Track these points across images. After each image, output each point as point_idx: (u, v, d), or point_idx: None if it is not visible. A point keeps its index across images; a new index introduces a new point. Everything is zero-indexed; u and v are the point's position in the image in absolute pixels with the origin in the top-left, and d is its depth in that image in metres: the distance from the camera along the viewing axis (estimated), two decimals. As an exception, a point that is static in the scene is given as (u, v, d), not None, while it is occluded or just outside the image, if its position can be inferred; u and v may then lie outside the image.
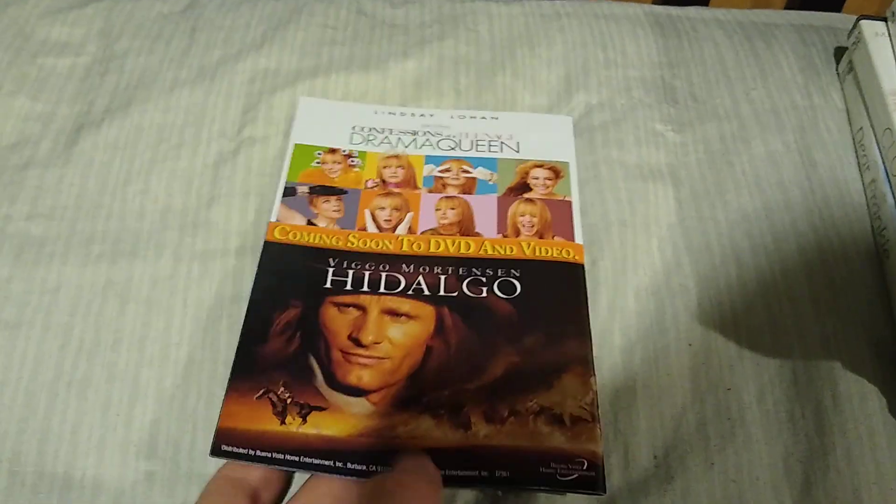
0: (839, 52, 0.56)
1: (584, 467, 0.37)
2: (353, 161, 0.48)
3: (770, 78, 0.54)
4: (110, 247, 0.44)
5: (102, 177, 0.47)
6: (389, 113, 0.51)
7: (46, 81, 0.52)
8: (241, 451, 0.36)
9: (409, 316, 0.42)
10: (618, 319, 0.42)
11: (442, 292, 0.43)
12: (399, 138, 0.50)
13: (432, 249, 0.45)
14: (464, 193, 0.47)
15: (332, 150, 0.49)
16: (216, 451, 0.36)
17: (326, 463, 0.36)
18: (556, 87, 0.53)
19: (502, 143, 0.50)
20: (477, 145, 0.50)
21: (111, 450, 0.38)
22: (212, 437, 0.37)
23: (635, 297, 0.43)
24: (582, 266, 0.44)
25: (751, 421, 0.39)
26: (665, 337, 0.42)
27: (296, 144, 0.48)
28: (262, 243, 0.44)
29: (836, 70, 0.55)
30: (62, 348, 0.41)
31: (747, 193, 0.47)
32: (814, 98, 0.53)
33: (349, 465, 0.36)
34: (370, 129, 0.50)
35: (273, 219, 0.45)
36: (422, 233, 0.45)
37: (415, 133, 0.50)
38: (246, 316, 0.41)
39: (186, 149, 0.48)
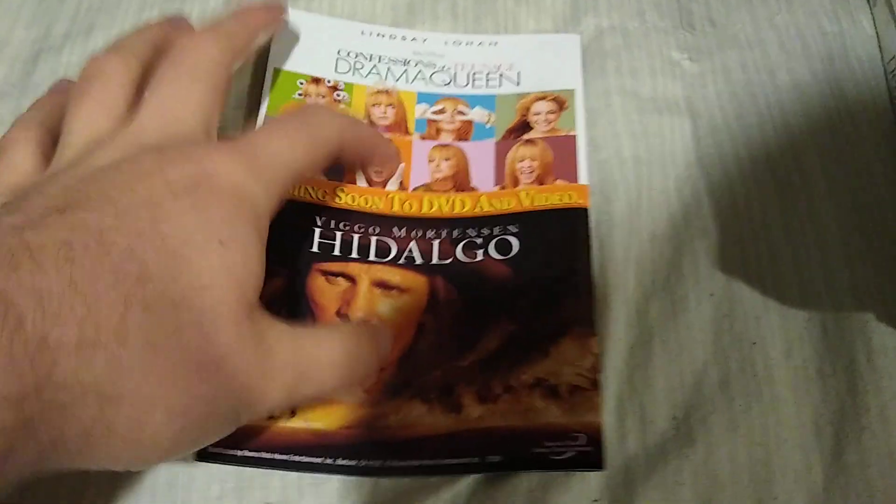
0: (869, -26, 0.51)
1: (581, 442, 0.33)
2: (338, 95, 0.44)
3: (795, 2, 0.49)
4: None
5: (61, 109, 0.43)
6: (378, 35, 0.46)
7: (0, 4, 0.47)
8: (228, 452, 0.33)
9: (400, 289, 0.38)
10: (633, 267, 0.39)
11: (435, 260, 0.39)
12: (388, 68, 0.45)
13: (425, 210, 0.40)
14: (459, 139, 0.43)
15: (316, 80, 0.44)
16: (202, 456, 0.33)
17: (316, 460, 0.33)
18: (562, 9, 0.48)
19: (501, 75, 0.45)
20: (474, 79, 0.45)
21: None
22: None
23: (651, 241, 0.39)
24: (585, 210, 0.40)
25: (778, 378, 0.36)
26: (684, 286, 0.38)
27: (275, 69, 0.44)
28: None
29: (866, -7, 0.51)
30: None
31: (771, 127, 0.43)
32: (842, 23, 0.48)
33: (339, 460, 0.33)
34: (357, 55, 0.45)
35: None
36: (414, 189, 0.41)
37: (406, 62, 0.45)
38: None
39: (154, 77, 0.44)
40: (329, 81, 0.44)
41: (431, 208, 0.40)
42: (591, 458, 0.33)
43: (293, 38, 0.45)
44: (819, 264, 0.39)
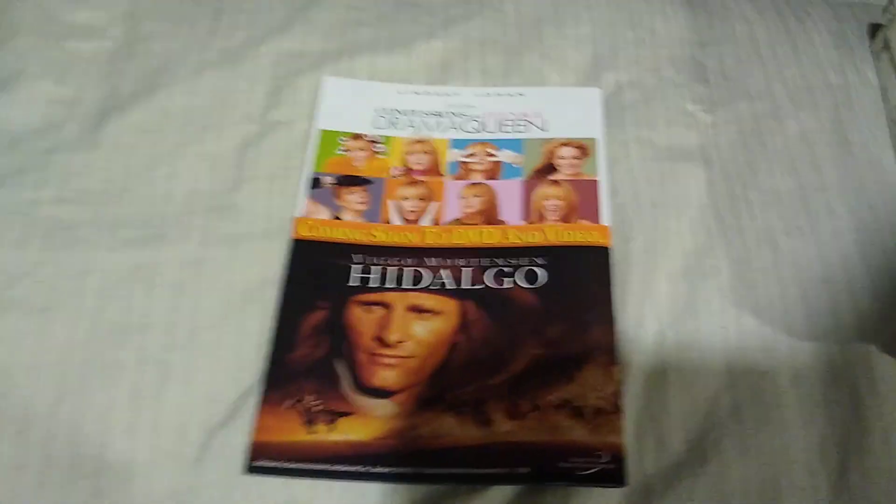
0: (873, 29, 0.55)
1: (605, 460, 0.36)
2: (377, 147, 0.48)
3: (803, 56, 0.53)
4: (138, 231, 0.44)
5: (129, 161, 0.47)
6: (414, 93, 0.50)
7: (71, 65, 0.51)
8: (274, 464, 0.37)
9: (433, 312, 0.42)
10: (649, 303, 0.42)
11: (466, 285, 0.42)
12: (423, 120, 0.49)
13: (455, 240, 0.44)
14: (489, 179, 0.47)
15: (357, 136, 0.48)
16: (251, 468, 0.37)
17: (354, 469, 0.37)
18: (585, 66, 0.52)
19: (528, 121, 0.49)
20: (502, 126, 0.49)
21: (142, 433, 0.38)
22: (239, 421, 0.38)
23: (667, 279, 0.42)
24: (607, 249, 0.43)
25: (786, 405, 0.38)
26: (697, 320, 0.41)
27: (321, 131, 0.48)
28: (287, 226, 0.44)
29: (870, 47, 0.54)
30: (91, 332, 0.41)
31: (780, 174, 0.46)
32: (848, 76, 0.52)
33: (375, 468, 0.37)
34: (393, 111, 0.49)
35: (299, 213, 0.45)
36: (446, 223, 0.45)
37: (439, 114, 0.49)
38: (276, 323, 0.41)
39: (212, 132, 0.48)
40: (368, 136, 0.48)
41: (462, 239, 0.44)
42: (614, 474, 0.36)
43: (336, 101, 0.50)
44: (826, 300, 0.41)
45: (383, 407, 0.38)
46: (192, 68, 0.51)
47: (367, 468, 0.37)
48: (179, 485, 0.37)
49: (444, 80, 0.51)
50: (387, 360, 0.40)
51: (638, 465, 0.37)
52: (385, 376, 0.39)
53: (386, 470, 0.37)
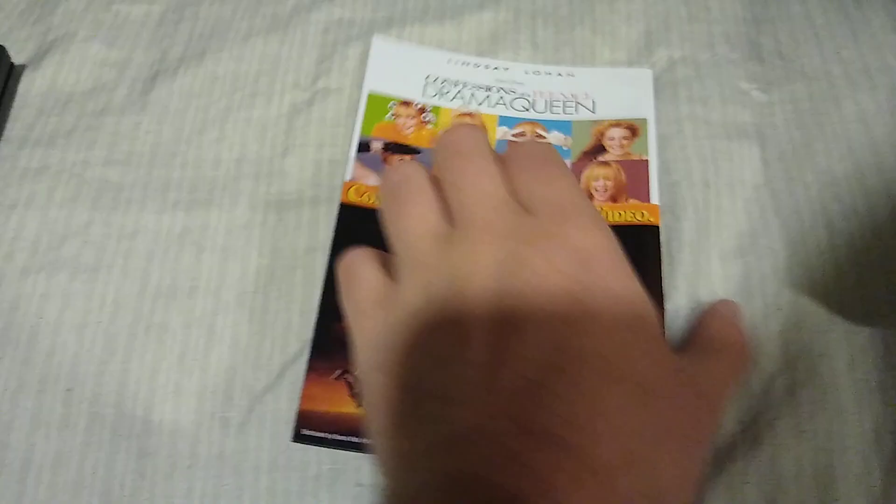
0: (935, 11, 0.53)
1: None
2: (426, 116, 0.47)
3: (861, 37, 0.51)
4: (186, 194, 0.44)
5: (178, 125, 0.47)
6: (464, 63, 0.50)
7: (121, 28, 0.51)
8: (321, 434, 0.37)
9: None
10: (702, 283, 0.41)
11: None
12: (472, 93, 0.48)
13: None
14: None
15: (406, 103, 0.48)
16: (297, 437, 0.37)
17: None
18: (637, 41, 0.51)
19: (577, 103, 0.48)
20: (552, 106, 0.48)
21: (188, 395, 0.38)
22: (285, 388, 0.38)
23: (720, 259, 0.42)
24: (657, 228, 0.42)
25: (842, 389, 0.38)
26: (752, 301, 0.40)
27: (370, 94, 0.48)
28: (336, 195, 0.44)
29: (931, 30, 0.52)
30: (140, 293, 0.41)
31: (837, 155, 0.45)
32: (907, 58, 0.50)
33: None
34: (444, 81, 0.49)
35: (348, 177, 0.44)
36: None
37: (489, 89, 0.49)
38: (323, 290, 0.41)
39: (261, 98, 0.48)
40: (417, 104, 0.48)
41: None
42: None
43: (386, 65, 0.49)
44: (882, 283, 0.41)
45: None
46: (241, 34, 0.51)
47: None
48: (224, 449, 0.37)
49: (493, 51, 0.50)
50: None
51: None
52: None
53: None
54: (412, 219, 0.31)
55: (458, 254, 0.29)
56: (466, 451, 0.24)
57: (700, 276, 0.41)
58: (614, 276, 0.29)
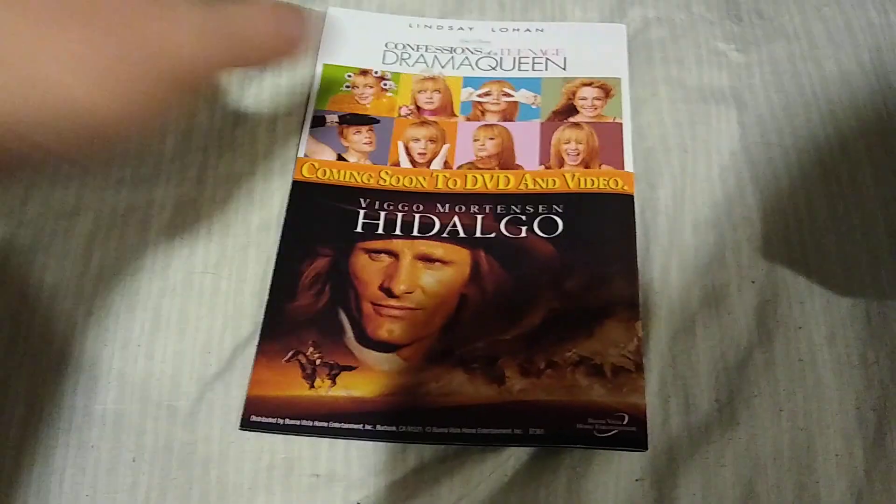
0: (919, -35, 0.51)
1: (625, 422, 0.34)
2: (385, 84, 0.45)
3: (843, -7, 0.49)
4: (131, 170, 0.41)
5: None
6: (426, 26, 0.47)
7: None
8: (271, 420, 0.35)
9: (443, 261, 0.39)
10: (676, 253, 0.39)
11: (478, 234, 0.39)
12: (435, 56, 0.46)
13: (469, 186, 0.41)
14: (504, 120, 0.43)
15: (364, 72, 0.45)
16: (246, 424, 0.35)
17: (356, 427, 0.35)
18: (609, 0, 0.48)
19: (547, 59, 0.46)
20: (520, 63, 0.46)
21: (131, 384, 0.36)
22: (236, 373, 0.37)
23: (694, 228, 0.40)
24: (631, 197, 0.40)
25: (821, 363, 0.36)
26: (727, 272, 0.38)
27: (324, 65, 0.45)
28: (289, 167, 0.41)
29: (915, -15, 0.50)
30: (81, 275, 0.38)
31: (818, 118, 0.43)
32: (890, 15, 0.48)
33: (378, 426, 0.35)
34: (404, 46, 0.46)
35: (301, 153, 0.42)
36: (458, 167, 0.42)
37: (452, 50, 0.46)
38: (275, 270, 0.39)
39: (210, 65, 0.45)
40: (377, 72, 0.45)
41: (476, 184, 0.41)
42: (634, 437, 0.34)
43: (341, 34, 0.46)
44: (864, 251, 0.39)
45: (389, 361, 0.36)
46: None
47: (371, 426, 0.35)
48: (171, 439, 0.35)
49: (458, 12, 0.48)
50: (393, 312, 0.37)
51: (662, 427, 0.35)
52: (391, 329, 0.37)
53: (391, 429, 0.35)
54: None
55: None
56: None
57: (674, 247, 0.39)
58: None
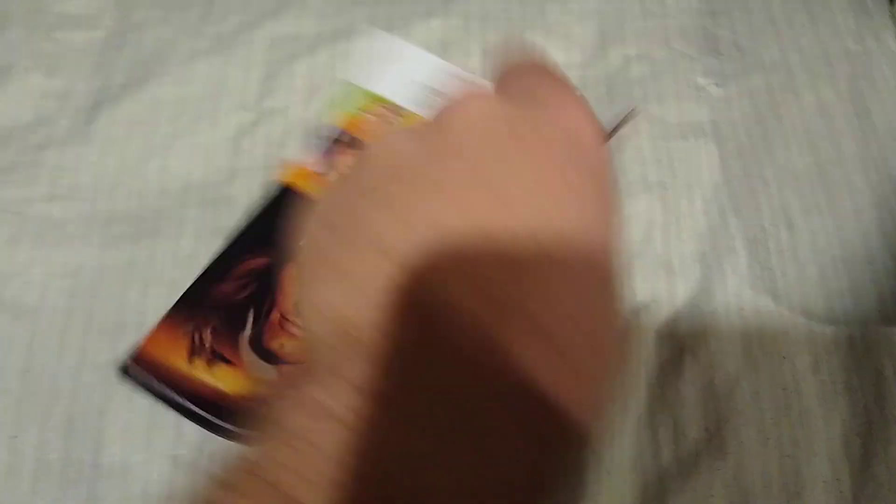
0: (894, -7, 0.52)
1: None
2: (392, 119, 0.46)
3: (820, 23, 0.50)
4: (131, 227, 0.43)
5: (121, 154, 0.45)
6: (450, 73, 0.48)
7: (63, 57, 0.50)
8: (146, 376, 0.37)
9: None
10: (662, 285, 0.40)
11: None
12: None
13: None
14: None
15: (381, 100, 0.46)
16: (123, 371, 0.37)
17: (203, 413, 0.36)
18: (591, 41, 0.50)
19: None
20: None
21: (138, 436, 0.37)
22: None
23: (679, 261, 0.41)
24: None
25: (806, 392, 0.37)
26: (713, 303, 0.39)
27: (348, 82, 0.47)
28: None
29: (890, 12, 0.51)
30: (85, 333, 0.40)
31: (797, 148, 0.44)
32: (867, 43, 0.49)
33: (221, 421, 0.36)
34: (425, 87, 0.47)
35: (293, 156, 0.44)
36: None
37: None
38: (220, 252, 0.40)
39: (205, 122, 0.47)
40: (389, 104, 0.46)
41: None
42: None
43: (374, 57, 0.48)
44: (845, 280, 0.40)
45: (266, 371, 0.38)
46: (184, 56, 0.49)
47: (214, 417, 0.36)
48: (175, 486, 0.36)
49: (444, 58, 0.49)
50: (294, 331, 0.39)
51: (653, 458, 0.36)
52: (283, 343, 0.38)
53: (228, 425, 0.36)
54: None
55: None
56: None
57: (660, 279, 0.40)
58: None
